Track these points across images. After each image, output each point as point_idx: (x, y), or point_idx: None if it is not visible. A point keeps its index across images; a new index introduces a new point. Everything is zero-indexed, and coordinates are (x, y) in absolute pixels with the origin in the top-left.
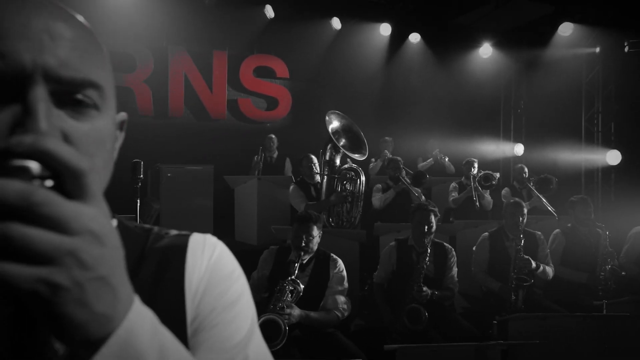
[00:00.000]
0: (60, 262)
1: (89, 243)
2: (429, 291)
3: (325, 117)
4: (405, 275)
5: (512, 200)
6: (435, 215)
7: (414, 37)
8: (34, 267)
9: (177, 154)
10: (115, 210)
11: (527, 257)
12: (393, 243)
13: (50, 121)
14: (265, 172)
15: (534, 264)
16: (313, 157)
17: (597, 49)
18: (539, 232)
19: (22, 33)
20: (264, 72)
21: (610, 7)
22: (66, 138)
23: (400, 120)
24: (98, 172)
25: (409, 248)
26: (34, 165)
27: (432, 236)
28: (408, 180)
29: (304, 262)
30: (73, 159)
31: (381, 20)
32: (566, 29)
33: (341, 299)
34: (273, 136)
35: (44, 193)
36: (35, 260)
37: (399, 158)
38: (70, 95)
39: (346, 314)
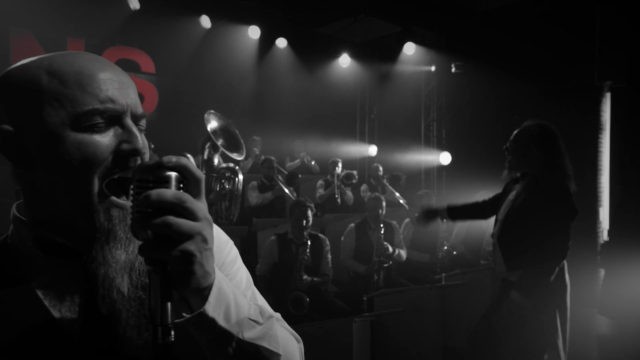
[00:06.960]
0: (194, 238)
1: (207, 226)
2: (309, 278)
3: (198, 116)
4: (287, 266)
5: (373, 195)
6: (312, 211)
7: (281, 42)
8: (180, 242)
9: None
10: None
11: (386, 243)
12: (273, 237)
13: (140, 138)
14: None
15: (391, 249)
16: (190, 156)
17: (433, 68)
18: (394, 222)
19: (114, 84)
20: (127, 65)
21: (442, 35)
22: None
23: (268, 120)
24: None
25: (288, 241)
26: (174, 175)
27: (309, 229)
28: (282, 180)
29: None
30: (198, 171)
31: (250, 22)
32: (410, 49)
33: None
34: None
35: (186, 195)
36: (181, 237)
37: (272, 158)
38: (136, 123)
39: None
